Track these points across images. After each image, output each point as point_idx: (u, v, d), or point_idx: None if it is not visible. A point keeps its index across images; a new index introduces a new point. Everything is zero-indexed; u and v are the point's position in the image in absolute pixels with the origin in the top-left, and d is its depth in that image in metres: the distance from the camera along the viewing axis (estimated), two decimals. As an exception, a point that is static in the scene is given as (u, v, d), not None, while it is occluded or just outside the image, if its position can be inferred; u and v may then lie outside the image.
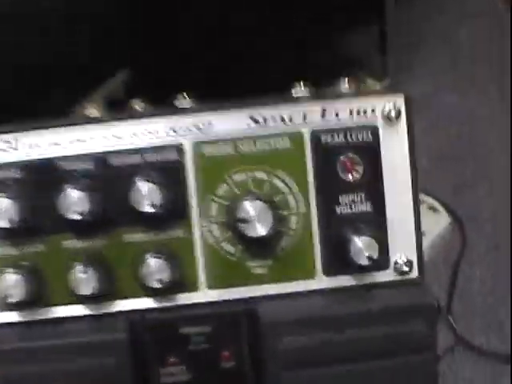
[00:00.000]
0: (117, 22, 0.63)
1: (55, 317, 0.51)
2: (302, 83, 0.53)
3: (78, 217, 0.48)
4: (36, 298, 0.50)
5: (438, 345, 0.50)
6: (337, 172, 0.51)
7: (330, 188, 0.51)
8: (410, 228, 0.52)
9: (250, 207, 0.49)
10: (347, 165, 0.51)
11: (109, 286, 0.50)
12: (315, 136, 0.51)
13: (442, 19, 1.26)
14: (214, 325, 0.52)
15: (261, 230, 0.49)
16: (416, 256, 0.52)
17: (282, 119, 0.51)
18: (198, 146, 0.51)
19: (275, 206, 0.50)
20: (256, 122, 0.51)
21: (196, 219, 0.51)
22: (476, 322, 0.85)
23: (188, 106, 0.52)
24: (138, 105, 0.53)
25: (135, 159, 0.51)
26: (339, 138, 0.51)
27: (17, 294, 0.49)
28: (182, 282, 0.51)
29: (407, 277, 0.52)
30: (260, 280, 0.51)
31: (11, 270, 0.49)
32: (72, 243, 0.51)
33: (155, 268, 0.49)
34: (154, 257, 0.49)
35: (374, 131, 0.51)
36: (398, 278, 0.52)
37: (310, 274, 0.52)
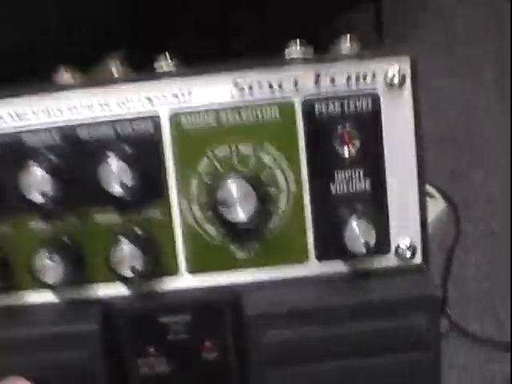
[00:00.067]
0: (117, 22, 0.60)
1: (20, 304, 0.47)
2: (298, 42, 0.48)
3: (41, 198, 0.44)
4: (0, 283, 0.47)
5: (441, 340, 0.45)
6: (332, 146, 0.45)
7: (324, 164, 0.45)
8: (413, 209, 0.46)
9: (232, 188, 0.43)
10: (344, 137, 0.45)
11: (79, 272, 0.46)
12: (308, 105, 0.45)
13: (437, 8, 1.27)
14: (194, 313, 0.47)
15: (242, 214, 0.43)
16: (420, 240, 0.46)
17: (270, 86, 0.45)
18: (176, 116, 0.45)
19: (262, 184, 0.45)
20: (241, 89, 0.45)
21: (174, 198, 0.46)
22: (470, 308, 0.84)
23: (166, 70, 0.47)
24: (114, 68, 0.48)
25: (106, 132, 0.45)
26: (335, 108, 0.45)
27: (-22, 282, 0.45)
28: (159, 266, 0.46)
29: (410, 263, 0.46)
30: (245, 265, 0.46)
31: (-29, 255, 0.45)
32: (38, 225, 0.46)
33: (128, 254, 0.44)
34: (128, 241, 0.44)
35: (375, 100, 0.45)
36: (400, 263, 0.46)
37: (300, 259, 0.46)
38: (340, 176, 0.46)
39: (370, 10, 1.16)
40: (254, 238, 0.46)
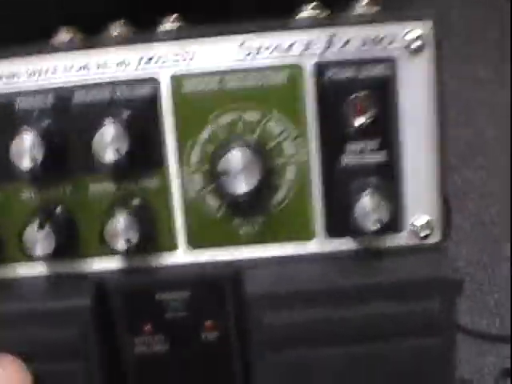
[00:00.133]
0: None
1: (8, 277, 0.44)
2: (312, 3, 0.44)
3: (32, 165, 0.41)
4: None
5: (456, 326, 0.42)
6: (344, 114, 0.41)
7: (335, 133, 0.42)
8: (431, 183, 0.43)
9: (234, 157, 0.40)
10: (357, 105, 0.41)
11: (71, 245, 0.43)
12: (319, 69, 0.42)
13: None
14: (194, 290, 0.44)
15: (244, 186, 0.40)
16: (438, 217, 0.43)
17: (279, 49, 0.42)
18: (177, 80, 0.42)
19: (268, 154, 0.42)
20: (247, 51, 0.42)
21: (174, 167, 0.43)
22: (462, 301, 0.82)
23: (166, 31, 0.44)
24: (116, 28, 0.45)
25: (102, 95, 0.42)
26: (348, 73, 0.41)
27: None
28: (157, 240, 0.43)
29: (426, 241, 0.43)
30: (248, 241, 0.43)
31: (-44, 223, 0.43)
32: (27, 194, 0.43)
33: (123, 226, 0.41)
34: (123, 213, 0.41)
35: (392, 65, 0.41)
36: (416, 242, 0.43)
37: (307, 236, 0.43)
38: (352, 147, 0.42)
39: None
40: (258, 213, 0.43)
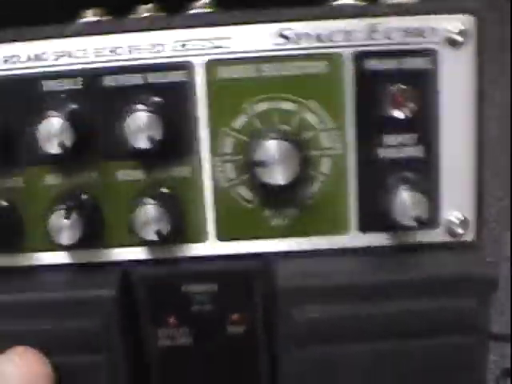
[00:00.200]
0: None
1: (31, 265, 0.43)
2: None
3: (59, 150, 0.39)
4: (9, 242, 0.42)
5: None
6: (383, 106, 0.40)
7: (373, 125, 0.41)
8: (468, 179, 0.42)
9: (271, 148, 0.39)
10: (397, 97, 0.41)
11: (97, 233, 0.42)
12: (358, 59, 0.41)
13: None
14: (221, 283, 0.43)
15: (281, 177, 0.39)
16: (474, 214, 0.42)
17: (319, 37, 0.41)
18: (212, 66, 0.41)
19: (304, 145, 0.41)
20: (286, 39, 0.41)
21: (206, 156, 0.42)
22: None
23: (202, 15, 0.42)
24: (146, 11, 0.43)
25: (134, 79, 0.41)
26: (389, 64, 0.41)
27: (-15, 240, 0.41)
28: (186, 231, 0.42)
29: (461, 239, 0.42)
30: (280, 233, 0.42)
31: (-20, 209, 0.41)
32: (54, 180, 0.42)
33: (153, 217, 0.40)
34: (153, 202, 0.40)
35: (433, 57, 0.41)
36: (450, 239, 0.42)
37: (341, 229, 0.42)
38: (390, 140, 0.41)
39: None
40: (292, 205, 0.42)
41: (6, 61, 0.41)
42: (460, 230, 0.42)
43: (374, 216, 0.42)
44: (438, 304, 0.41)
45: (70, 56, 0.41)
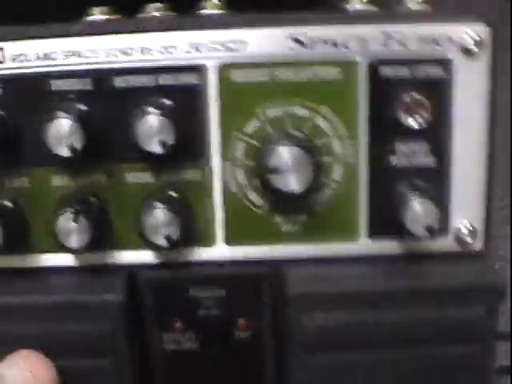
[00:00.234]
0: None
1: (37, 267, 0.42)
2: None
3: (68, 152, 0.39)
4: (14, 243, 0.41)
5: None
6: (396, 113, 0.40)
7: (385, 133, 0.41)
8: (478, 190, 0.42)
9: (285, 154, 0.39)
10: (410, 105, 0.40)
11: (104, 236, 0.41)
12: (373, 66, 0.40)
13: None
14: (229, 288, 0.42)
15: (295, 184, 0.39)
16: (482, 223, 0.42)
17: (334, 43, 0.40)
18: (224, 69, 0.40)
19: (317, 152, 0.41)
20: (301, 43, 0.40)
21: (217, 160, 0.41)
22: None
23: (216, 17, 0.42)
24: (155, 11, 0.43)
25: (145, 81, 0.40)
26: (403, 72, 0.40)
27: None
28: (194, 234, 0.42)
29: (469, 248, 0.42)
30: (290, 239, 0.42)
31: (-14, 211, 0.40)
32: (60, 181, 0.41)
33: (163, 222, 0.39)
34: (163, 207, 0.39)
35: (448, 66, 0.40)
36: (459, 248, 0.42)
37: (351, 236, 0.42)
38: (402, 148, 0.41)
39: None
40: (302, 211, 0.42)
41: (13, 59, 0.40)
42: (469, 239, 0.42)
43: (384, 224, 0.42)
44: (447, 312, 0.41)
45: (79, 56, 0.40)
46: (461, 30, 0.40)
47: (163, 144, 0.39)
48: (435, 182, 0.41)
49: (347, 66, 0.40)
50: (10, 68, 0.40)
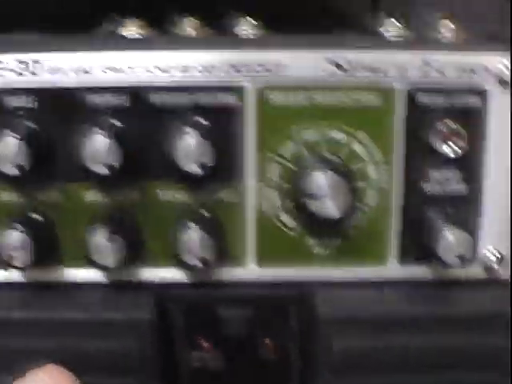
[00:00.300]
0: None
1: (65, 281, 0.42)
2: (395, 19, 0.43)
3: (104, 170, 0.38)
4: (44, 257, 0.41)
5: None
6: (431, 141, 0.40)
7: (420, 160, 0.41)
8: (506, 218, 0.42)
9: (322, 180, 0.39)
10: (445, 134, 0.41)
11: (136, 253, 0.41)
12: (410, 94, 0.40)
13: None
14: (257, 309, 0.42)
15: (333, 210, 0.39)
16: (509, 250, 0.43)
17: (373, 69, 0.40)
18: (263, 90, 0.40)
19: (352, 177, 0.41)
20: (340, 68, 0.40)
21: (251, 181, 0.41)
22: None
23: (254, 37, 0.42)
24: (191, 26, 0.42)
25: (183, 99, 0.40)
26: (439, 100, 0.40)
27: (22, 258, 0.39)
28: (225, 254, 0.42)
29: (496, 275, 0.43)
30: (320, 262, 0.42)
31: (18, 226, 0.39)
32: (94, 196, 0.41)
33: (197, 242, 0.39)
34: (198, 227, 0.39)
35: (484, 96, 0.41)
36: (486, 275, 0.43)
37: (381, 260, 0.42)
38: (436, 175, 0.41)
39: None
40: (334, 234, 0.42)
41: (50, 72, 0.40)
42: (496, 267, 0.43)
43: (415, 249, 0.42)
44: (473, 339, 0.41)
45: (116, 71, 0.40)
46: (497, 60, 0.41)
47: (201, 165, 0.38)
48: (467, 210, 0.42)
49: (385, 92, 0.40)
50: (45, 81, 0.40)
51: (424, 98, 0.41)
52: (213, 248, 0.40)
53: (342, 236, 0.42)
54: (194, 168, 0.39)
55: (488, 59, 0.41)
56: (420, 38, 0.42)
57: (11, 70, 0.40)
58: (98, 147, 0.38)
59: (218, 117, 0.40)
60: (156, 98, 0.40)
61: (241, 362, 0.43)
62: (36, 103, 0.40)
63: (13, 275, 0.41)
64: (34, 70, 0.39)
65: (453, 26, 0.43)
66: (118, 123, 0.40)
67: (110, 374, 0.41)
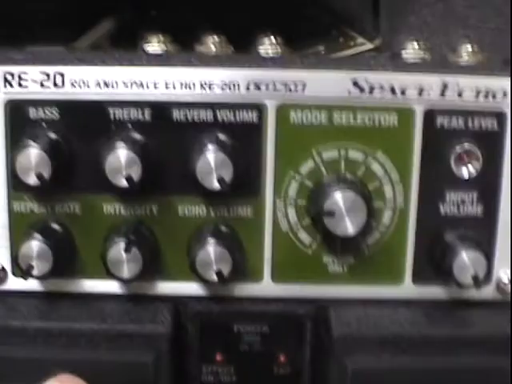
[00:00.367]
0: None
1: (82, 292, 0.42)
2: (417, 41, 0.43)
3: (124, 183, 0.39)
4: (62, 267, 0.41)
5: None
6: (449, 163, 0.41)
7: (436, 181, 0.41)
8: (520, 239, 0.43)
9: (340, 199, 0.39)
10: (463, 156, 0.41)
11: (154, 266, 0.41)
12: (429, 115, 0.41)
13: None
14: (272, 324, 0.43)
15: (350, 228, 0.39)
16: (523, 273, 0.44)
17: (393, 90, 0.41)
18: (284, 109, 0.41)
19: (369, 196, 0.41)
20: (360, 89, 0.41)
21: (270, 198, 0.41)
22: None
23: (275, 55, 0.42)
24: (214, 43, 0.43)
25: (204, 115, 0.40)
26: (458, 123, 0.41)
27: (41, 267, 0.40)
28: (242, 269, 0.42)
29: (509, 298, 0.43)
30: (336, 280, 0.42)
31: (39, 236, 0.40)
32: (113, 208, 0.41)
33: (215, 256, 0.40)
34: (215, 241, 0.40)
35: (502, 119, 0.41)
36: (499, 296, 0.43)
37: (395, 280, 0.42)
38: (452, 197, 0.42)
39: None
40: (351, 252, 0.42)
41: (73, 85, 0.40)
42: (509, 288, 0.43)
43: (429, 269, 0.42)
44: (487, 360, 0.42)
45: (139, 86, 0.40)
46: (515, 85, 0.41)
47: (222, 181, 0.39)
48: (482, 231, 0.42)
49: (404, 112, 0.41)
50: (68, 93, 0.40)
51: (442, 120, 0.41)
52: (230, 263, 0.40)
53: (357, 254, 0.42)
54: (213, 183, 0.39)
55: (507, 83, 0.41)
56: (439, 60, 0.42)
57: (35, 82, 0.40)
58: (119, 160, 0.39)
59: (238, 133, 0.41)
60: (177, 114, 0.40)
61: (253, 377, 0.44)
62: (59, 115, 0.40)
63: (31, 284, 0.42)
64: (58, 82, 0.40)
65: (472, 49, 0.43)
66: (139, 137, 0.40)
67: (124, 385, 0.41)
